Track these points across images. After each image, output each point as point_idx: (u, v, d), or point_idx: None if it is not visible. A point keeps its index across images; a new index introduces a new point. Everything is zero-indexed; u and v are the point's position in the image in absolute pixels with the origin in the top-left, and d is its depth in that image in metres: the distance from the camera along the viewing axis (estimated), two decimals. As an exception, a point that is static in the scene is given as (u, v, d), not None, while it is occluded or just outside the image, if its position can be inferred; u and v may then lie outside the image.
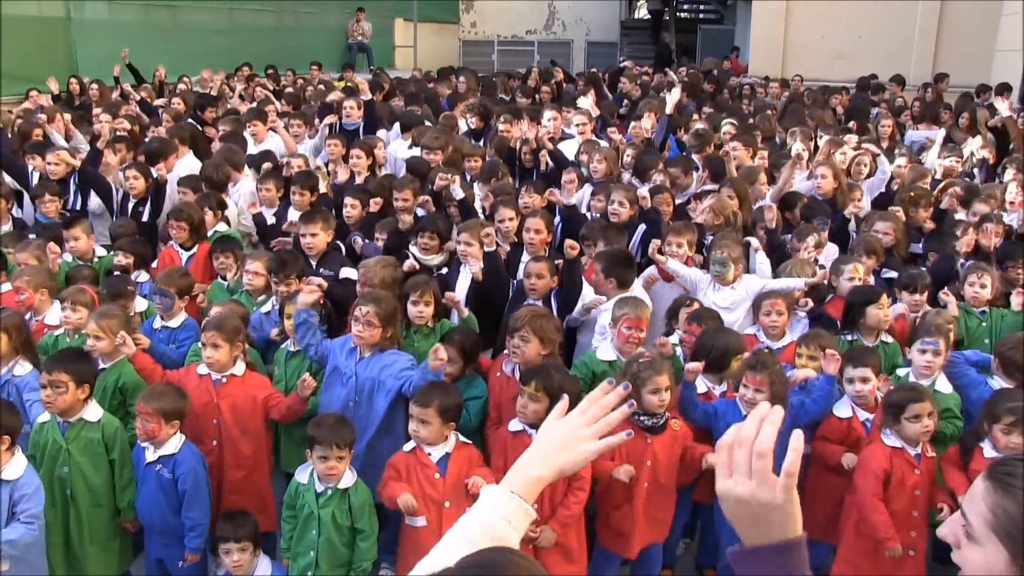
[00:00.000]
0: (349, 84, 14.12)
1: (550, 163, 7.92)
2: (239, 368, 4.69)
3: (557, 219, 6.73)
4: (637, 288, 5.55)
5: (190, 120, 10.16)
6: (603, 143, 8.75)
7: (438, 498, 4.07)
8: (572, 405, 4.13)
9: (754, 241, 6.17)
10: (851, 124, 10.57)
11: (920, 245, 7.00)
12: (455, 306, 5.31)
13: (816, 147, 8.98)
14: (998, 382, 4.75)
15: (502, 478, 4.07)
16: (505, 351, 4.89)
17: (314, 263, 6.01)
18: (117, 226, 6.76)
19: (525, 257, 5.95)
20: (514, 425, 4.28)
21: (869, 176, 8.23)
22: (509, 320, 4.74)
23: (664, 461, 4.36)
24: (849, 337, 5.26)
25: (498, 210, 6.46)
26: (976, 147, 9.65)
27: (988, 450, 4.24)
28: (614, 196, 6.64)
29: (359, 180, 7.73)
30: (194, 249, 6.43)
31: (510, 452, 4.21)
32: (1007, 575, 1.52)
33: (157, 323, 5.40)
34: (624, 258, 5.57)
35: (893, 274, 6.18)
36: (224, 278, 6.12)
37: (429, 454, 4.12)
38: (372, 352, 4.65)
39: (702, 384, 4.72)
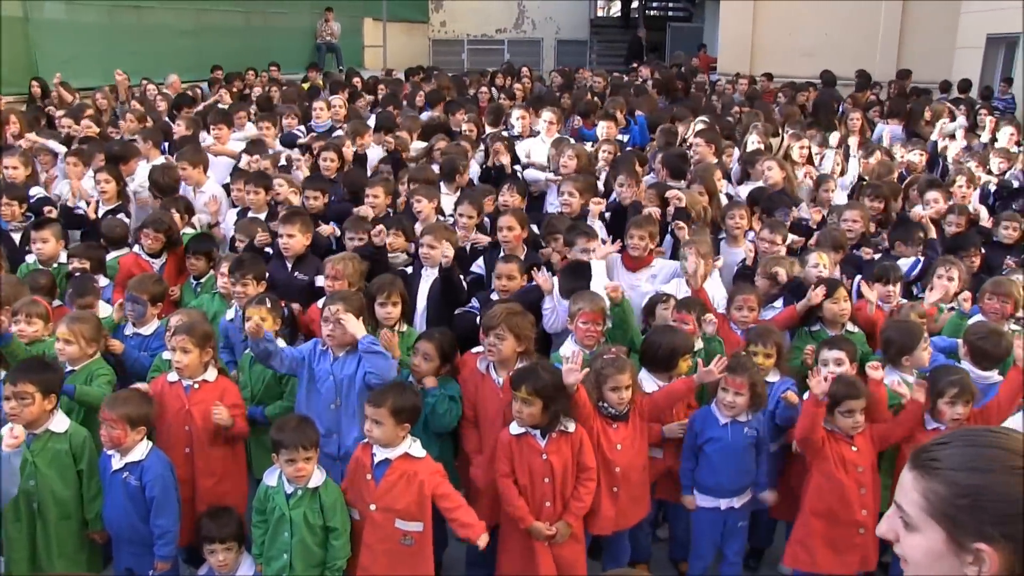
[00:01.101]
0: (314, 84, 14.13)
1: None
2: (211, 374, 4.63)
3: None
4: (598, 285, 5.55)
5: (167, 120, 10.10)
6: (573, 140, 8.80)
7: (366, 498, 4.07)
8: (564, 400, 4.12)
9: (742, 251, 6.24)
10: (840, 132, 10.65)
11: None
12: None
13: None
14: (966, 367, 4.82)
15: (507, 481, 4.06)
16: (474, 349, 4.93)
17: (289, 265, 5.98)
18: (113, 227, 6.61)
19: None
20: (515, 428, 4.27)
21: (842, 174, 8.33)
22: (483, 318, 4.73)
23: (634, 443, 4.46)
24: (814, 328, 5.33)
25: (461, 204, 6.46)
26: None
27: (931, 424, 4.42)
28: (563, 188, 6.70)
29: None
30: (163, 257, 6.30)
31: (516, 455, 4.25)
32: (946, 554, 1.63)
33: (129, 329, 5.32)
34: (580, 267, 5.50)
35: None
36: (196, 279, 6.10)
37: (373, 455, 4.09)
38: (346, 351, 4.61)
39: (653, 384, 4.74)
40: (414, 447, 4.13)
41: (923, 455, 1.70)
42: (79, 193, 7.44)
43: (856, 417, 4.31)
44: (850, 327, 5.32)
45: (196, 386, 4.57)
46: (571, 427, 4.25)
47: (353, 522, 4.17)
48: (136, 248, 6.38)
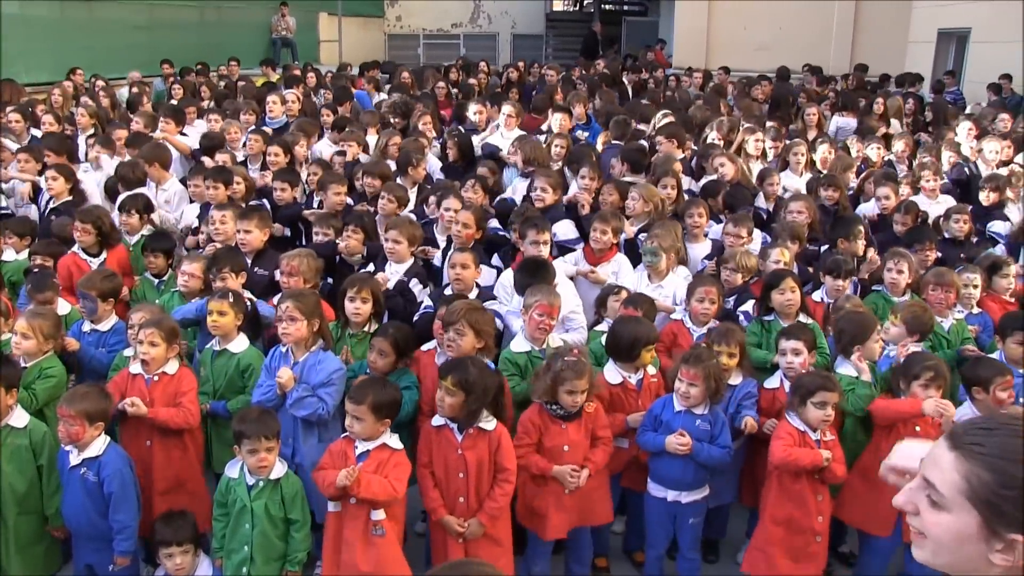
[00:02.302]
0: (269, 80, 14.04)
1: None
2: (171, 366, 4.60)
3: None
4: (562, 279, 5.56)
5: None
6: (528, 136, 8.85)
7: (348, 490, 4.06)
8: (493, 400, 4.16)
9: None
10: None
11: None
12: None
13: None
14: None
15: (424, 472, 4.16)
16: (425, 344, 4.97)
17: (249, 260, 5.92)
18: (63, 226, 6.52)
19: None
20: (436, 420, 4.28)
21: (807, 166, 8.41)
22: (443, 313, 4.72)
23: (582, 443, 4.44)
24: (767, 318, 5.37)
25: (447, 199, 6.45)
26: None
27: None
28: (536, 182, 6.70)
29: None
30: (102, 256, 6.17)
31: (435, 447, 4.26)
32: (976, 538, 1.62)
33: (86, 326, 5.27)
34: (537, 265, 5.47)
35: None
36: (157, 276, 6.05)
37: (356, 447, 4.10)
38: (305, 353, 4.61)
39: (617, 374, 4.77)
40: (392, 439, 4.16)
41: (966, 437, 1.68)
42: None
43: (828, 410, 4.30)
44: (803, 319, 5.31)
45: (156, 378, 4.56)
46: (490, 426, 4.23)
47: (329, 516, 4.14)
48: (76, 247, 6.23)
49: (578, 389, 4.29)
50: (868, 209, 7.55)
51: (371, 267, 5.95)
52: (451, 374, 4.15)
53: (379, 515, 4.06)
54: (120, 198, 6.96)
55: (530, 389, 4.49)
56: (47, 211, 7.17)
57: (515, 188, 7.67)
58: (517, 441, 4.36)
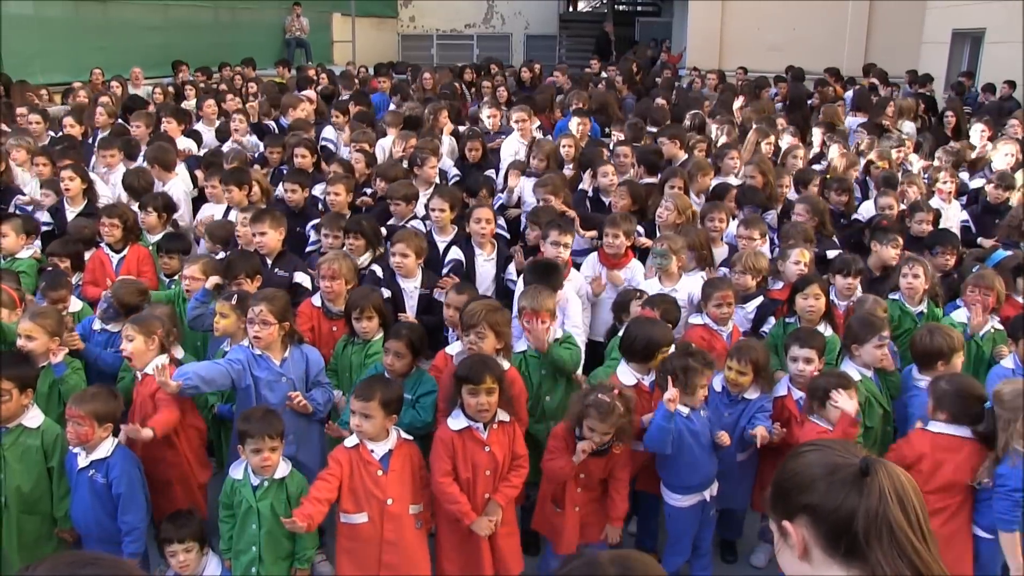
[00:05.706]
0: (275, 81, 14.09)
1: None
2: (157, 362, 4.55)
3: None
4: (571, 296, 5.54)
5: (120, 122, 9.98)
6: (545, 138, 8.84)
7: (380, 495, 4.04)
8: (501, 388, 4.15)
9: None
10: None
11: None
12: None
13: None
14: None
15: (448, 480, 4.12)
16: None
17: (269, 262, 5.93)
18: (80, 227, 6.56)
19: (479, 252, 6.07)
20: (454, 424, 4.20)
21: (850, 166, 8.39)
22: (463, 316, 4.68)
23: (596, 475, 4.41)
24: (788, 320, 5.33)
25: (433, 199, 6.46)
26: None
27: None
28: (537, 193, 6.88)
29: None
30: (124, 251, 6.24)
31: (458, 452, 4.18)
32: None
33: (96, 324, 5.28)
34: (547, 267, 5.43)
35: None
36: (169, 276, 6.09)
37: (372, 451, 4.07)
38: (281, 355, 4.64)
39: (631, 376, 4.73)
40: (403, 433, 4.19)
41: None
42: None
43: None
44: (823, 329, 5.14)
45: (140, 377, 4.59)
46: (507, 417, 4.24)
47: (359, 527, 4.10)
48: (104, 245, 6.32)
49: (597, 430, 4.18)
50: (868, 209, 7.49)
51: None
52: (487, 374, 4.10)
53: (417, 508, 4.14)
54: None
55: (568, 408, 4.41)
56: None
57: (522, 188, 7.69)
58: (549, 454, 4.35)
